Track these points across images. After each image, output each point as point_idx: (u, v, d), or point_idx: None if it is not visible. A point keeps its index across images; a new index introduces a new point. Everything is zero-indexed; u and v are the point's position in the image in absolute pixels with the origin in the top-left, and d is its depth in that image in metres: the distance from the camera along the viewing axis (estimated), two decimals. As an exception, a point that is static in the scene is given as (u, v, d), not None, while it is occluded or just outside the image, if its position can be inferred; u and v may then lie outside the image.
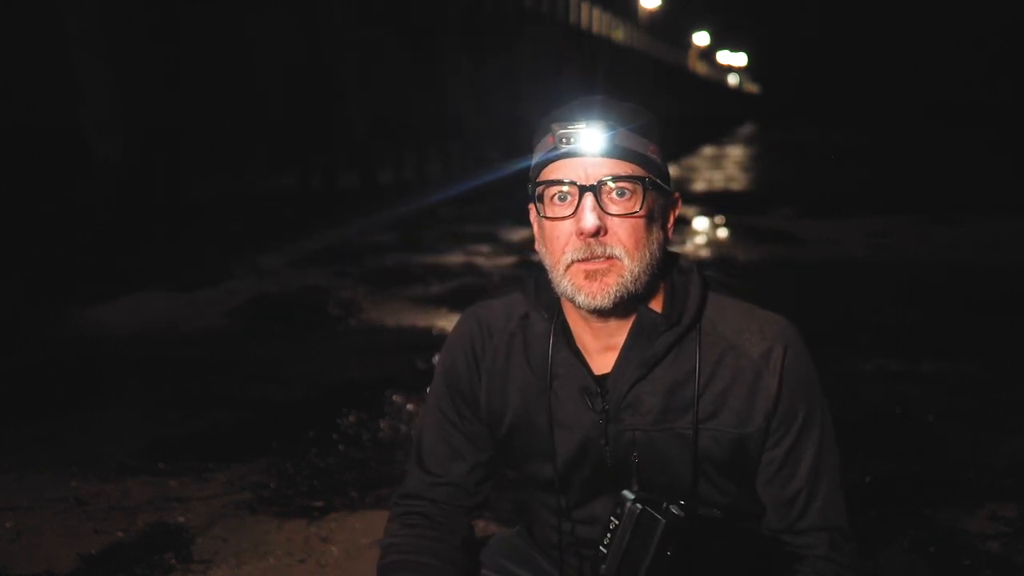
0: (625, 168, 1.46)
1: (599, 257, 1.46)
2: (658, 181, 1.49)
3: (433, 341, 5.86)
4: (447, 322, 6.42)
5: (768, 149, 33.25)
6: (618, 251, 1.46)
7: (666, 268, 1.56)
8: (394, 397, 4.67)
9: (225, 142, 11.44)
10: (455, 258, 9.11)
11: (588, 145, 1.45)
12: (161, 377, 5.07)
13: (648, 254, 1.48)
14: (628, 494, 1.42)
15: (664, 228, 1.53)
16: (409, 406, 4.55)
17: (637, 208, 1.46)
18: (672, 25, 46.13)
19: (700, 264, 1.64)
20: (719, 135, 41.13)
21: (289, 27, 13.00)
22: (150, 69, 10.06)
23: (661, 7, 40.15)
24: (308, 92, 13.08)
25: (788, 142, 36.64)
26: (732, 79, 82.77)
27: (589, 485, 1.60)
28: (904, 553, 3.05)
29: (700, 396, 1.52)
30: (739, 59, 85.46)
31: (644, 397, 1.53)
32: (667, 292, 1.55)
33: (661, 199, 1.51)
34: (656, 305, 1.54)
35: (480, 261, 8.95)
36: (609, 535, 1.41)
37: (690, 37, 57.93)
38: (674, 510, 1.39)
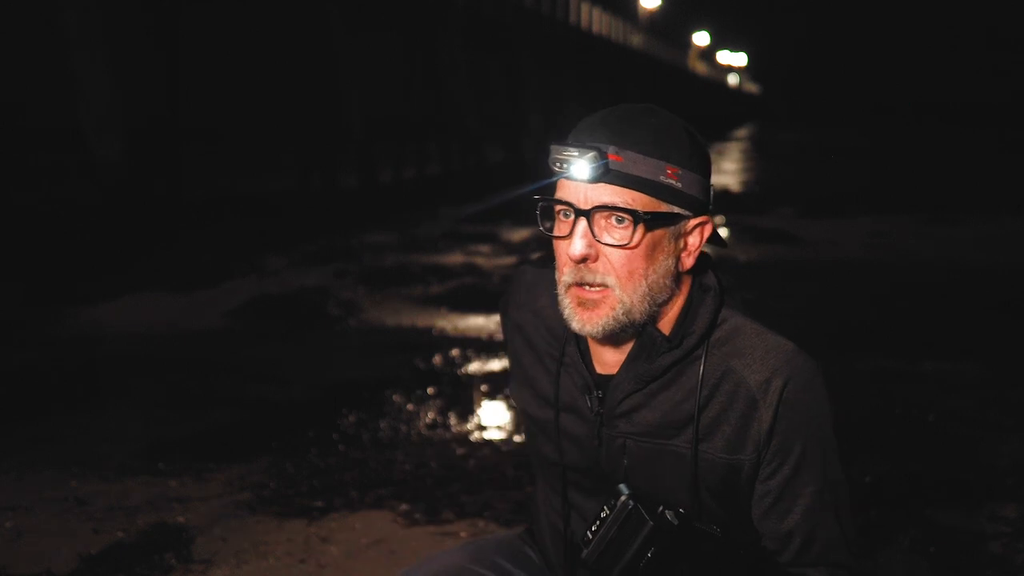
0: (624, 196, 1.41)
1: (590, 284, 1.44)
2: (664, 211, 1.43)
3: (433, 341, 5.86)
4: (447, 322, 6.43)
5: (768, 149, 33.26)
6: (610, 280, 1.43)
7: (687, 284, 1.52)
8: (394, 397, 4.67)
9: (225, 142, 11.45)
10: (455, 258, 9.12)
11: (579, 172, 1.41)
12: (161, 377, 5.07)
13: (645, 285, 1.44)
14: (624, 488, 1.42)
15: (677, 255, 1.47)
16: (409, 406, 4.55)
17: (629, 240, 1.42)
18: (672, 25, 46.14)
19: (725, 279, 1.56)
20: (718, 136, 41.12)
21: (290, 27, 13.01)
22: (150, 69, 10.07)
23: (661, 7, 40.16)
24: (308, 92, 13.08)
25: (788, 142, 36.65)
26: (732, 79, 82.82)
27: (586, 480, 1.60)
28: (904, 553, 3.06)
29: (697, 418, 1.49)
30: (739, 59, 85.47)
31: (639, 410, 1.52)
32: (681, 311, 1.52)
33: (671, 225, 1.45)
34: (667, 323, 1.51)
35: (480, 261, 8.95)
36: (598, 522, 1.41)
37: (690, 37, 57.99)
38: (668, 515, 1.39)
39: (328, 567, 3.01)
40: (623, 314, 1.44)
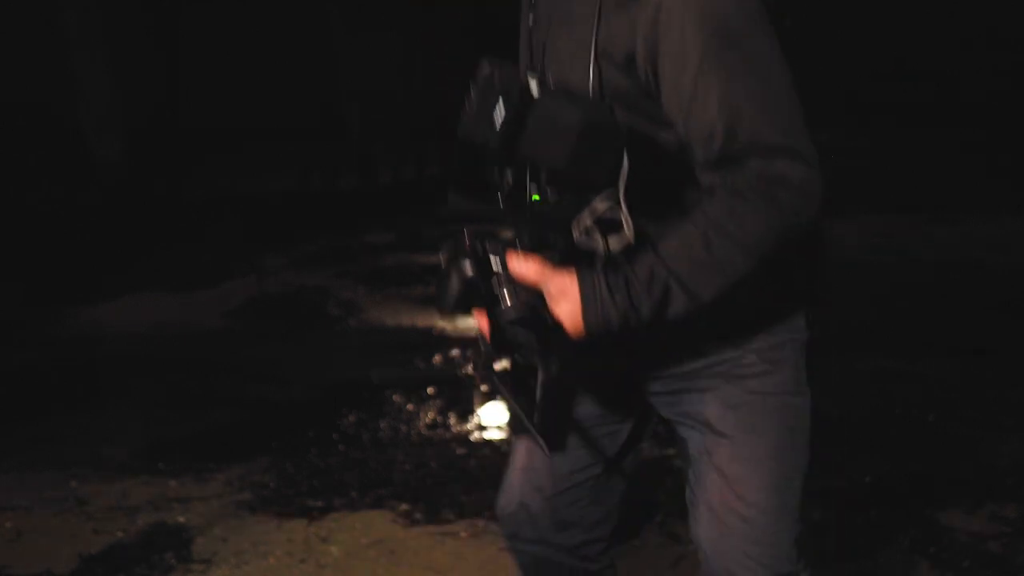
0: None
1: None
2: None
3: (433, 341, 5.86)
4: (447, 322, 6.42)
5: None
6: None
7: None
8: (394, 397, 4.67)
9: (225, 142, 11.45)
10: (455, 258, 9.10)
11: None
12: (161, 377, 5.07)
13: None
14: (466, 232, 1.63)
15: None
16: (409, 406, 4.55)
17: None
18: (672, 25, 46.15)
19: None
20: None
21: (290, 28, 13.01)
22: (150, 69, 10.07)
23: (661, 7, 40.16)
24: (308, 92, 13.08)
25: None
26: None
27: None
28: (904, 553, 3.06)
29: (598, 15, 1.50)
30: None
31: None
32: None
33: None
34: None
35: (480, 261, 8.94)
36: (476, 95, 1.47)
37: (690, 37, 57.95)
38: (531, 83, 1.42)
39: (328, 567, 3.02)
40: None
